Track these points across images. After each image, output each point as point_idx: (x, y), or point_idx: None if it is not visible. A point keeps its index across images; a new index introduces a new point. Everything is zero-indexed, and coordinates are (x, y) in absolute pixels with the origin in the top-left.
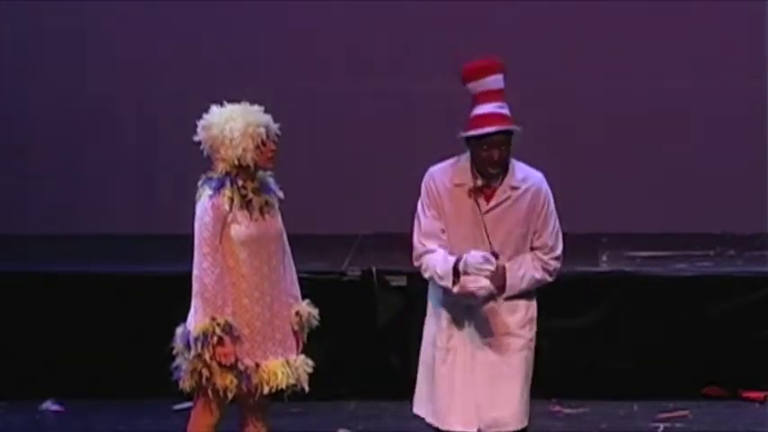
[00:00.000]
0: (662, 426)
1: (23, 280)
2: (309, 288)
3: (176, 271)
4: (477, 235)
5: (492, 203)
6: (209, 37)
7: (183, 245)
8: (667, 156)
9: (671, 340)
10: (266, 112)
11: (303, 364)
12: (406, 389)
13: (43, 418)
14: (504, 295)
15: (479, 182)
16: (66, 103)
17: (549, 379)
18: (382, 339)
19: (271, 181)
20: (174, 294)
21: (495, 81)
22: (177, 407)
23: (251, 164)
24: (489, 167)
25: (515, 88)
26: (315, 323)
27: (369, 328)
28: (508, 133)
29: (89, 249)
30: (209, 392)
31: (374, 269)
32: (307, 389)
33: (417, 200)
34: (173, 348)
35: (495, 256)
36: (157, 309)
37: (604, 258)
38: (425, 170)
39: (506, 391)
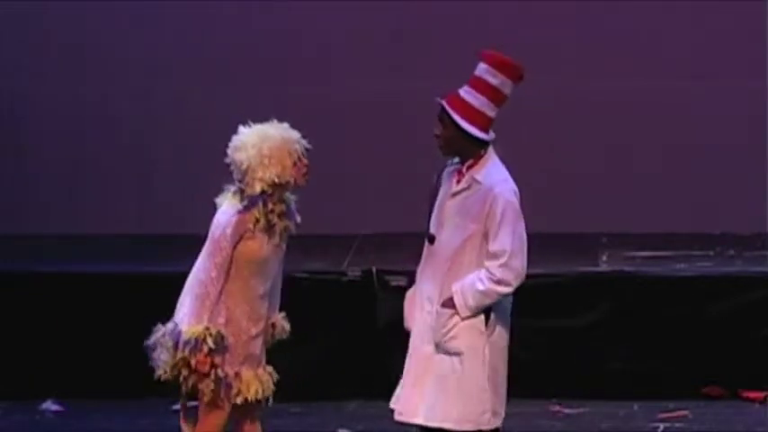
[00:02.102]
0: (662, 426)
1: (24, 280)
2: (309, 288)
3: (176, 271)
4: (437, 213)
5: (457, 188)
6: (209, 37)
7: (183, 245)
8: (667, 156)
9: (671, 340)
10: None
11: (269, 378)
12: None
13: (43, 418)
14: (463, 315)
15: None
16: (66, 103)
17: (549, 379)
18: (382, 339)
19: (293, 204)
20: (174, 294)
21: (479, 69)
22: (177, 407)
23: (291, 181)
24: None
25: (516, 87)
26: (284, 336)
27: (369, 328)
28: (445, 111)
29: (89, 249)
30: (184, 389)
31: (374, 269)
32: (271, 402)
33: (417, 200)
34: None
35: (431, 239)
36: (157, 309)
37: (604, 258)
38: (425, 170)
39: (416, 386)
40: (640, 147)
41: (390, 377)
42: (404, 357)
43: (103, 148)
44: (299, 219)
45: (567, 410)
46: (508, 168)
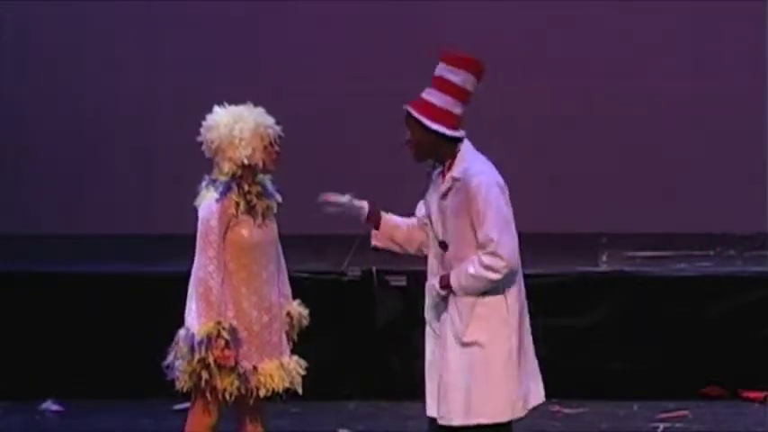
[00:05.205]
0: (662, 426)
1: (24, 280)
2: (309, 288)
3: (176, 271)
4: (437, 220)
5: (443, 190)
6: (209, 37)
7: (183, 245)
8: (667, 156)
9: (671, 340)
10: (266, 112)
11: (296, 367)
12: (406, 389)
13: (43, 418)
14: (457, 292)
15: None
16: (66, 103)
17: (549, 379)
18: (382, 339)
19: (269, 184)
20: (174, 294)
21: (439, 68)
22: (177, 407)
23: (259, 164)
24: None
25: (517, 87)
26: (305, 323)
27: (369, 328)
28: (411, 116)
29: (89, 249)
30: (208, 394)
31: (374, 269)
32: (300, 391)
33: (417, 200)
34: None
35: (444, 246)
36: (157, 309)
37: (604, 258)
38: (425, 170)
39: (442, 386)
40: (640, 146)
41: (390, 377)
42: (404, 357)
43: (104, 148)
44: (279, 198)
45: (566, 410)
46: (508, 166)
